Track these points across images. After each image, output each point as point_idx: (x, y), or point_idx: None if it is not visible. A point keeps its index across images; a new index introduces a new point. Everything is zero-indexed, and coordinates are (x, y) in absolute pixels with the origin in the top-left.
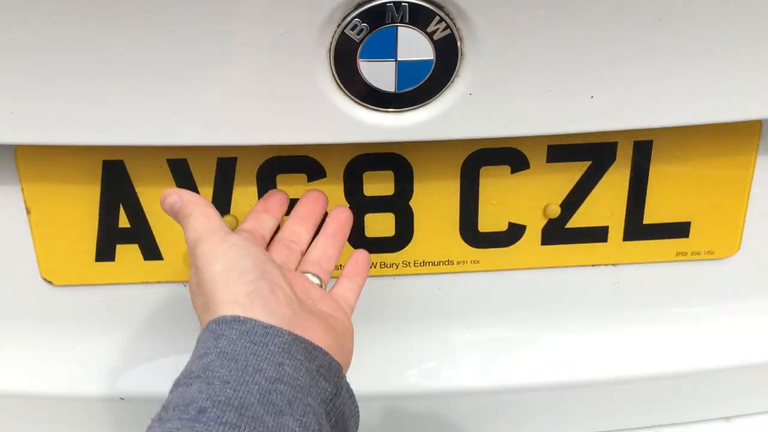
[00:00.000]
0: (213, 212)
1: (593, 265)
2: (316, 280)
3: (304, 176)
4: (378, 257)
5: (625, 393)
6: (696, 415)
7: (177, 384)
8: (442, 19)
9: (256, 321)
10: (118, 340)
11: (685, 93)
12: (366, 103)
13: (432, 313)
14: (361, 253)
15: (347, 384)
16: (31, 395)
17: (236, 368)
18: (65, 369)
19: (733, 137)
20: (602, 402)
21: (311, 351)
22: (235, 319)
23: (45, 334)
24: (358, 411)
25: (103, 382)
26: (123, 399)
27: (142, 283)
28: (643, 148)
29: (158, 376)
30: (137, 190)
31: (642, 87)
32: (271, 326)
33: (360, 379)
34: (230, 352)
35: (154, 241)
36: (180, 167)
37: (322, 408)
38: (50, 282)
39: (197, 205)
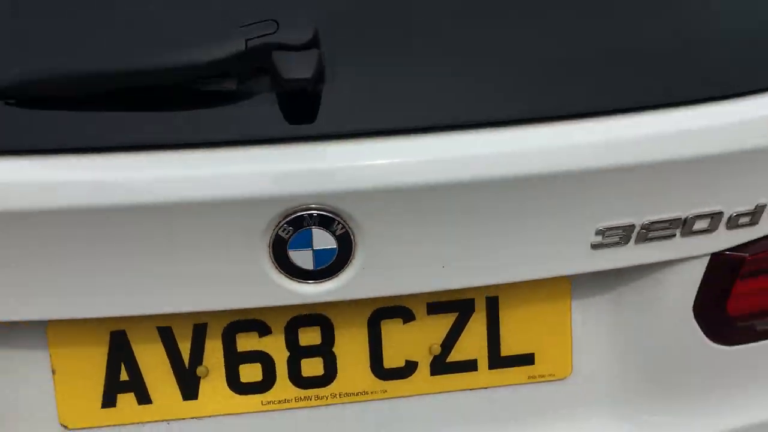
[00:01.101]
0: None
1: (471, 389)
2: None
3: (256, 333)
4: (313, 392)
5: None
6: None
7: None
8: (339, 222)
9: None
10: None
11: (507, 259)
12: (294, 278)
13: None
14: None
15: None
16: None
17: None
18: None
19: (553, 288)
20: None
21: None
22: None
23: None
24: None
25: None
26: None
27: (136, 423)
28: (492, 302)
29: None
30: (134, 351)
31: (477, 257)
32: None
33: None
34: None
35: (146, 389)
36: (166, 333)
37: None
38: (65, 426)
39: None
